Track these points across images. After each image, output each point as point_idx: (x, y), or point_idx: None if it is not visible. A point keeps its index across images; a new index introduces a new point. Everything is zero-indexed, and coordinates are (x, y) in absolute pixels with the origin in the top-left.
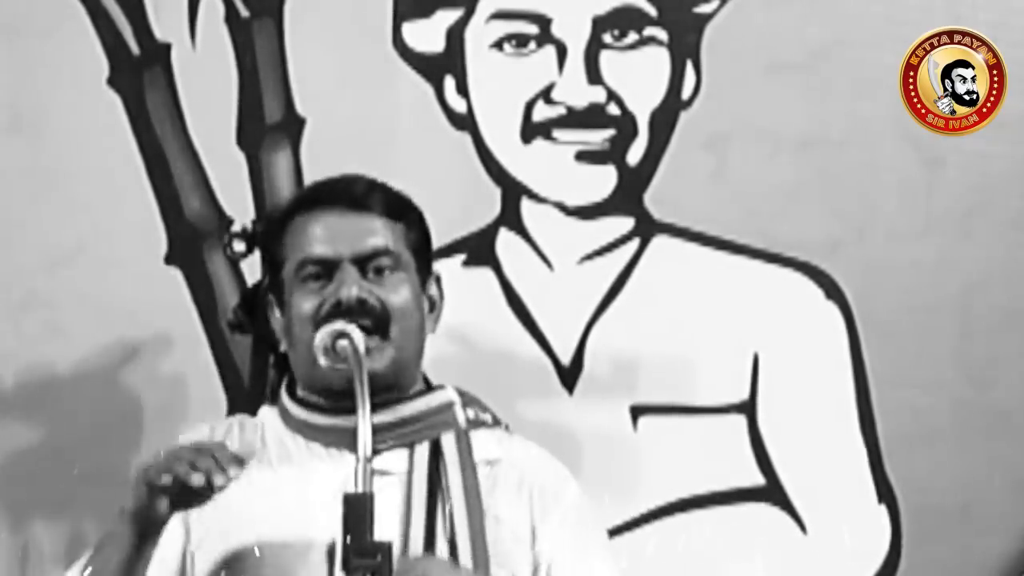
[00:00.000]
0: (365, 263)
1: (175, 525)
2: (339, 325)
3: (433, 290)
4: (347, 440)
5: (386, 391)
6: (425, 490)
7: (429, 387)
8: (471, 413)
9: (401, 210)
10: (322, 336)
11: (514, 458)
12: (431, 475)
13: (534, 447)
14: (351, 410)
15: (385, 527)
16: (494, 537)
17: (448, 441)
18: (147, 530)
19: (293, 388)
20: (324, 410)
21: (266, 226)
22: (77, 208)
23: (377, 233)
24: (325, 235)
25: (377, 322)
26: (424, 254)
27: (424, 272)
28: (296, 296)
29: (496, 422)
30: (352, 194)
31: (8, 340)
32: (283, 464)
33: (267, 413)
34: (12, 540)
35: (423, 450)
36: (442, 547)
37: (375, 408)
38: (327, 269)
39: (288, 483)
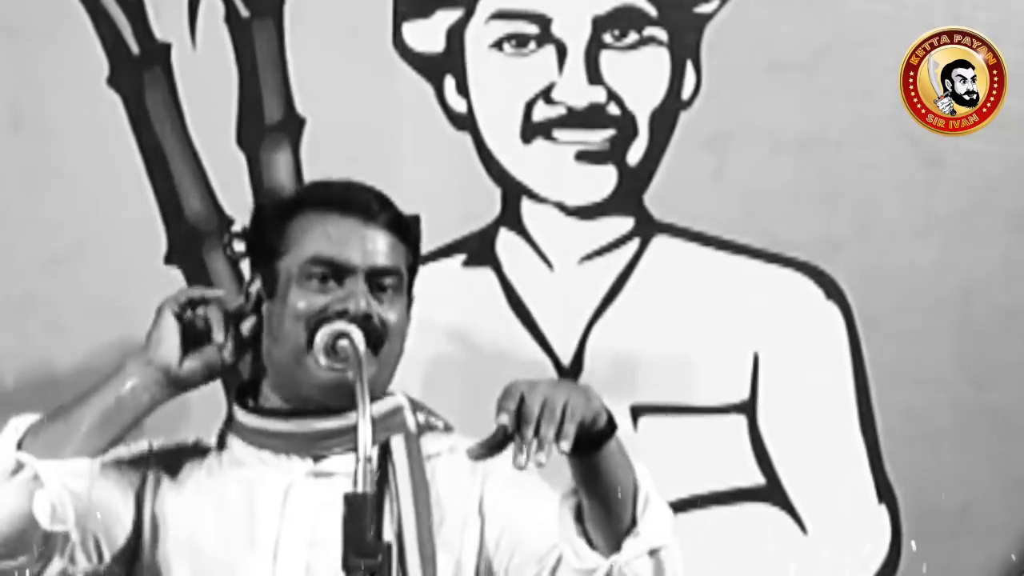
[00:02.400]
0: (373, 278)
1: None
2: (340, 325)
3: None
4: (295, 446)
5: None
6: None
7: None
8: (421, 418)
9: (406, 229)
10: (323, 335)
11: (456, 447)
12: (380, 475)
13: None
14: (305, 414)
15: (330, 526)
16: (439, 526)
17: (397, 442)
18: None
19: (242, 397)
20: (277, 415)
21: (260, 213)
22: (77, 208)
23: (389, 251)
24: (340, 239)
25: (374, 340)
26: (412, 275)
27: (410, 284)
28: (295, 291)
29: (447, 428)
30: (367, 206)
31: (8, 340)
32: (232, 469)
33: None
34: None
35: (372, 451)
36: (388, 531)
37: (327, 414)
38: (336, 273)
39: (234, 488)
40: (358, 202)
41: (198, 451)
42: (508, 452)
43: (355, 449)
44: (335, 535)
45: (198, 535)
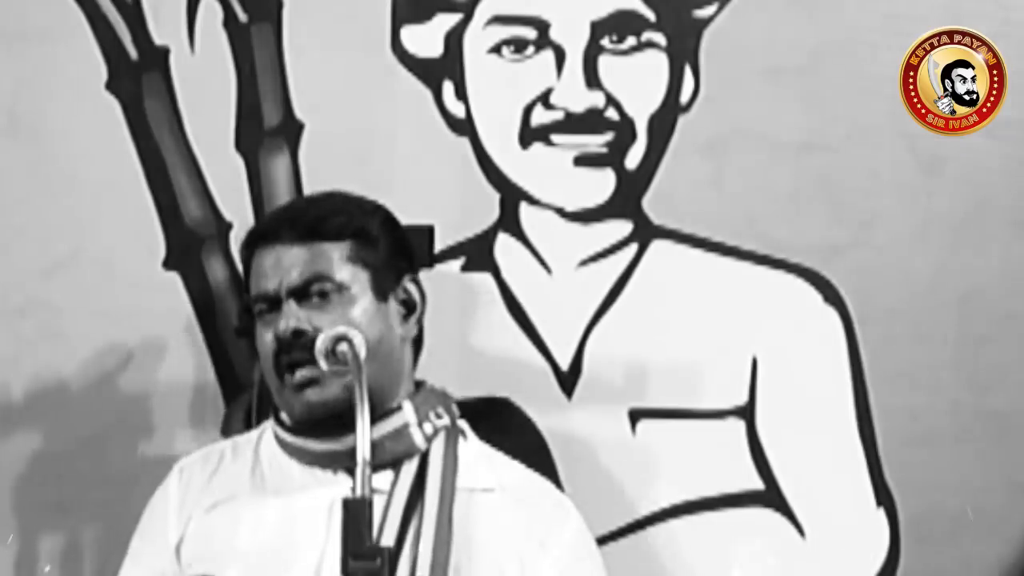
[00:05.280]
0: (305, 291)
1: (163, 548)
2: (341, 329)
3: (405, 295)
4: (340, 461)
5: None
6: (402, 511)
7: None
8: (428, 428)
9: (344, 229)
10: (322, 340)
11: (506, 486)
12: (411, 497)
13: (531, 474)
14: (329, 435)
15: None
16: (467, 563)
17: (435, 464)
18: None
19: (277, 412)
20: (314, 434)
21: (242, 262)
22: (75, 212)
23: (312, 261)
24: (269, 270)
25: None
26: (392, 262)
27: (392, 281)
28: (257, 332)
29: (453, 423)
30: (294, 225)
31: (7, 345)
32: (275, 483)
33: (267, 429)
34: (12, 545)
35: (409, 470)
36: (404, 567)
37: (329, 435)
38: (275, 304)
39: (276, 502)
40: (285, 225)
41: (232, 463)
42: (569, 525)
43: (389, 465)
44: None
45: (239, 554)
